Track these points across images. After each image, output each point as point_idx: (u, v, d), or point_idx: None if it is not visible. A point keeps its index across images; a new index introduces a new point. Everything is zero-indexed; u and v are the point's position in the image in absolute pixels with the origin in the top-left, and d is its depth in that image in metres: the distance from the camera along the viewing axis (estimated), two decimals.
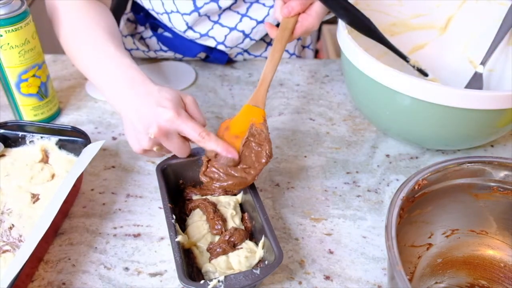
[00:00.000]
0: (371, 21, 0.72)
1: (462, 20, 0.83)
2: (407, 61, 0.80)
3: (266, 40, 0.92)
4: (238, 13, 0.84)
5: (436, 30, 0.85)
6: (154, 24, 0.91)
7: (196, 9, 0.81)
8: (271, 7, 0.84)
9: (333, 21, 0.73)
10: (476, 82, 0.78)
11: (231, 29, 0.85)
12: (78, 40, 0.71)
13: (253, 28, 0.85)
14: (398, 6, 0.84)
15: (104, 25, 0.71)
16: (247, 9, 0.84)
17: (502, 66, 0.80)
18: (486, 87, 0.80)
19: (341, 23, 0.71)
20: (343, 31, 0.69)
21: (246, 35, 0.86)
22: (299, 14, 0.70)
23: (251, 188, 0.61)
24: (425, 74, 0.82)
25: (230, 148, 0.60)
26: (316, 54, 1.06)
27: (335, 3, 0.68)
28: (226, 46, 0.87)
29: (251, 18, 0.84)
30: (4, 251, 0.57)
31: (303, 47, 1.01)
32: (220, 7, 0.81)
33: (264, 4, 0.84)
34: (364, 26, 0.72)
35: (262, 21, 0.85)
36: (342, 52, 0.71)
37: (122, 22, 0.96)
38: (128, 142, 0.63)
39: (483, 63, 0.78)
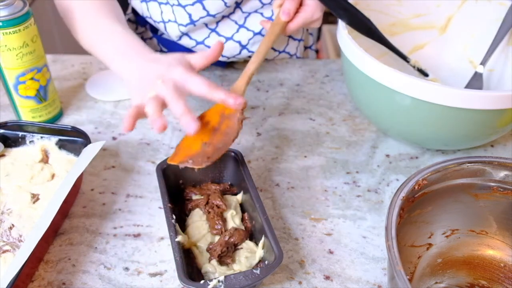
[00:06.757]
0: (371, 21, 0.72)
1: (462, 20, 0.83)
2: (407, 61, 0.80)
3: None
4: (236, 23, 0.84)
5: (436, 30, 0.85)
6: (154, 26, 0.91)
7: (192, 22, 0.81)
8: (269, 18, 0.83)
9: (333, 21, 0.73)
10: (476, 82, 0.78)
11: (228, 39, 0.84)
12: (91, 26, 0.70)
13: (249, 39, 0.85)
14: (398, 6, 0.84)
15: (112, 12, 0.71)
16: (245, 19, 0.83)
17: (502, 66, 0.80)
18: (486, 87, 0.80)
19: (341, 23, 0.71)
20: (343, 31, 0.69)
21: (243, 46, 0.85)
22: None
23: (251, 188, 0.61)
24: (425, 74, 0.82)
25: (238, 96, 0.57)
26: (316, 54, 1.06)
27: (335, 3, 0.68)
28: (222, 56, 0.86)
29: (248, 29, 0.84)
30: (4, 251, 0.57)
31: (306, 47, 1.01)
32: (215, 17, 0.81)
33: (262, 14, 0.83)
34: (364, 26, 0.72)
35: (259, 33, 0.84)
36: (342, 52, 0.71)
37: None
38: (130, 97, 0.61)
39: (483, 63, 0.78)
